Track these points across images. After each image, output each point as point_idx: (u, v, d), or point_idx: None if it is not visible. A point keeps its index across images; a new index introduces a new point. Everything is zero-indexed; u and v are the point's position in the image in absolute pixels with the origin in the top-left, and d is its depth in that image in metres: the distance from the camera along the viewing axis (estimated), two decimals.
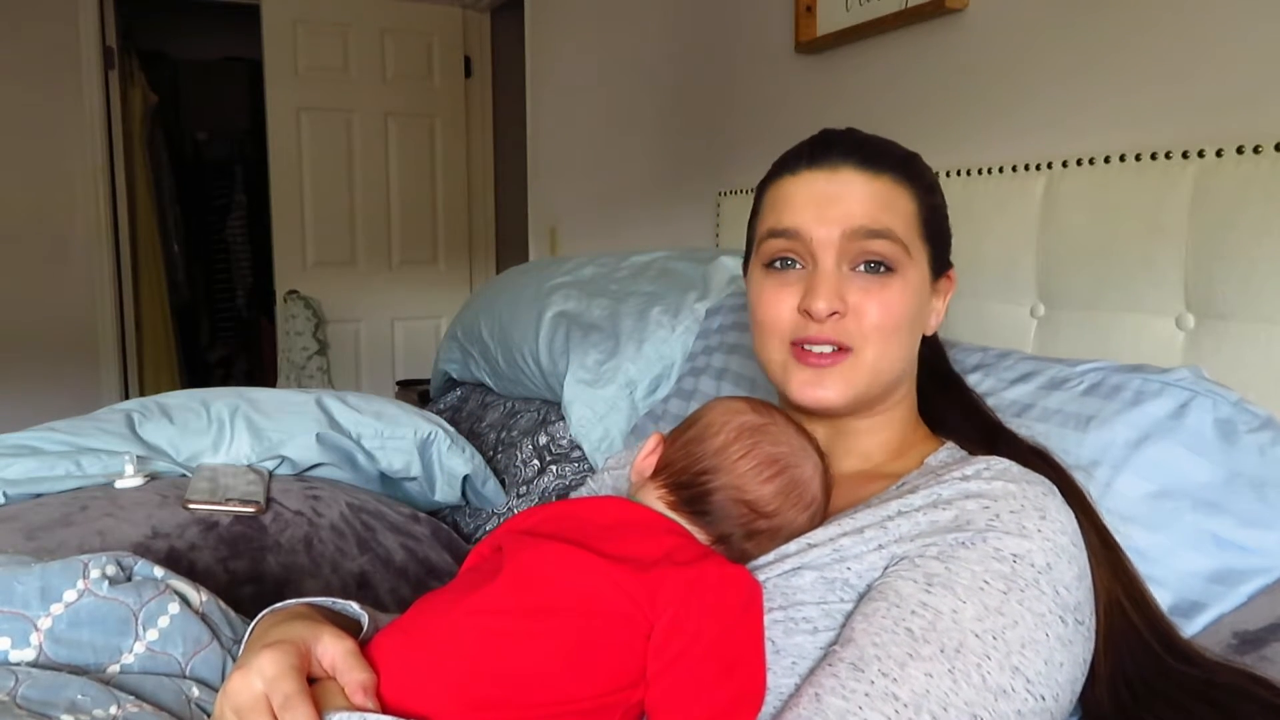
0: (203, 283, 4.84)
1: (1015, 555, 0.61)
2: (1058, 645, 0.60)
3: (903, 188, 0.76)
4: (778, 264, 0.78)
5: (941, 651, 0.57)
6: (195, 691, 0.65)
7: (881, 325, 0.74)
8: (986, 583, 0.60)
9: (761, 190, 0.83)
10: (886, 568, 0.64)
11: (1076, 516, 0.68)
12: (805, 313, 0.74)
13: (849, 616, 0.63)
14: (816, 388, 0.75)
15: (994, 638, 0.58)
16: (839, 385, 0.75)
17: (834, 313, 0.73)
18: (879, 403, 0.79)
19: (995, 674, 0.57)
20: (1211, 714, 0.62)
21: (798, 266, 0.77)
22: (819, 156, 0.77)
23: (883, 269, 0.74)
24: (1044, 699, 0.58)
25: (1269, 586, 0.77)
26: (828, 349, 0.75)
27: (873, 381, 0.76)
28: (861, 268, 0.75)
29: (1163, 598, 0.74)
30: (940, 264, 0.80)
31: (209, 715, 0.64)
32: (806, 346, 0.75)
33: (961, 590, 0.60)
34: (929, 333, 0.82)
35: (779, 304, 0.77)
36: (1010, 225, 1.22)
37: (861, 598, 0.64)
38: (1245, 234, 0.96)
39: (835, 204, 0.74)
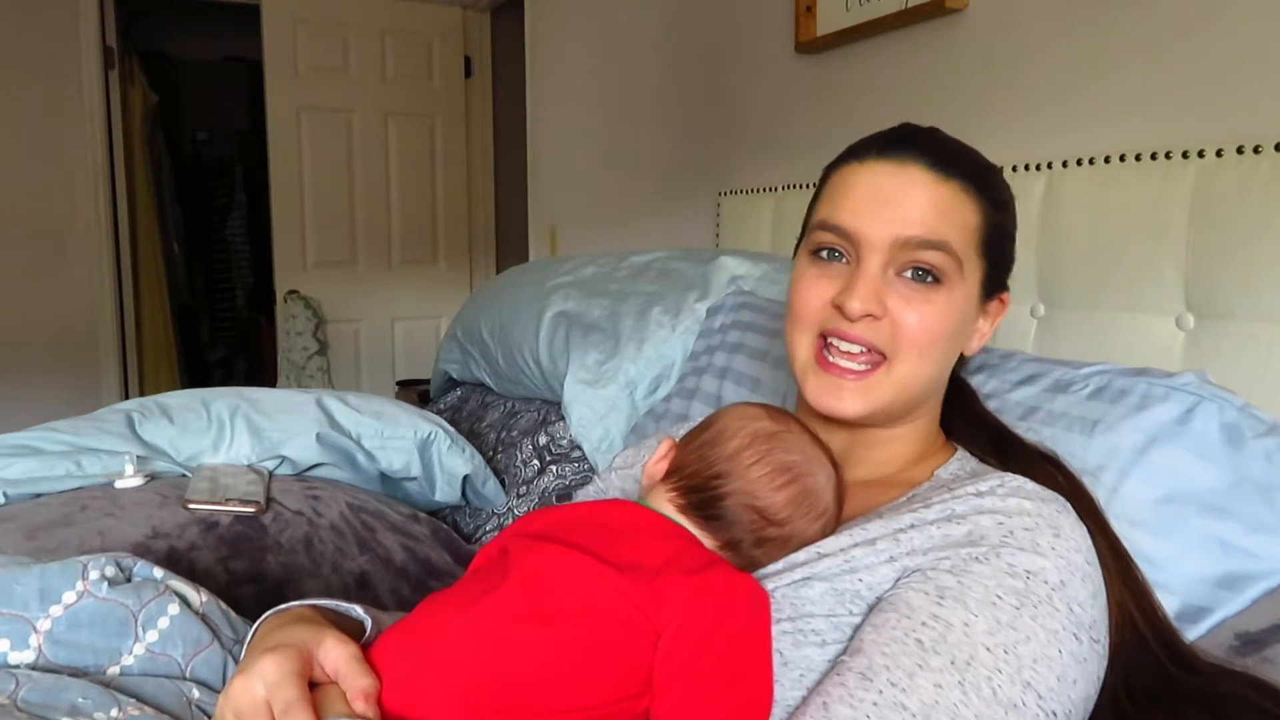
0: (203, 283, 4.84)
1: (1029, 572, 0.60)
2: (1071, 662, 0.59)
3: (970, 197, 0.72)
4: (824, 254, 0.75)
5: (952, 663, 0.56)
6: (196, 693, 0.65)
7: (918, 338, 0.71)
8: (999, 597, 0.59)
9: (827, 174, 0.79)
10: (898, 579, 0.63)
11: (1089, 527, 0.67)
12: (839, 308, 0.71)
13: (858, 629, 0.62)
14: (833, 398, 0.73)
15: (1005, 652, 0.57)
16: (857, 400, 0.72)
17: (868, 314, 0.70)
18: (903, 417, 0.77)
19: (1006, 688, 0.56)
20: None
21: (843, 260, 0.74)
22: (890, 148, 0.73)
23: (930, 279, 0.71)
24: (1055, 715, 0.57)
25: (1272, 589, 0.77)
26: (857, 350, 0.72)
27: (896, 397, 0.73)
28: (908, 274, 0.71)
29: (1169, 603, 0.74)
30: (994, 285, 0.76)
31: (209, 717, 0.64)
32: (834, 341, 0.72)
33: (973, 604, 0.59)
34: (969, 353, 0.79)
35: (814, 292, 0.74)
36: None
37: (871, 609, 0.63)
38: (1245, 234, 0.96)
39: (893, 205, 0.71)
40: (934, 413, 0.81)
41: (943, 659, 0.56)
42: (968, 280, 0.73)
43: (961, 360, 0.84)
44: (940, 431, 0.82)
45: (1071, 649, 0.59)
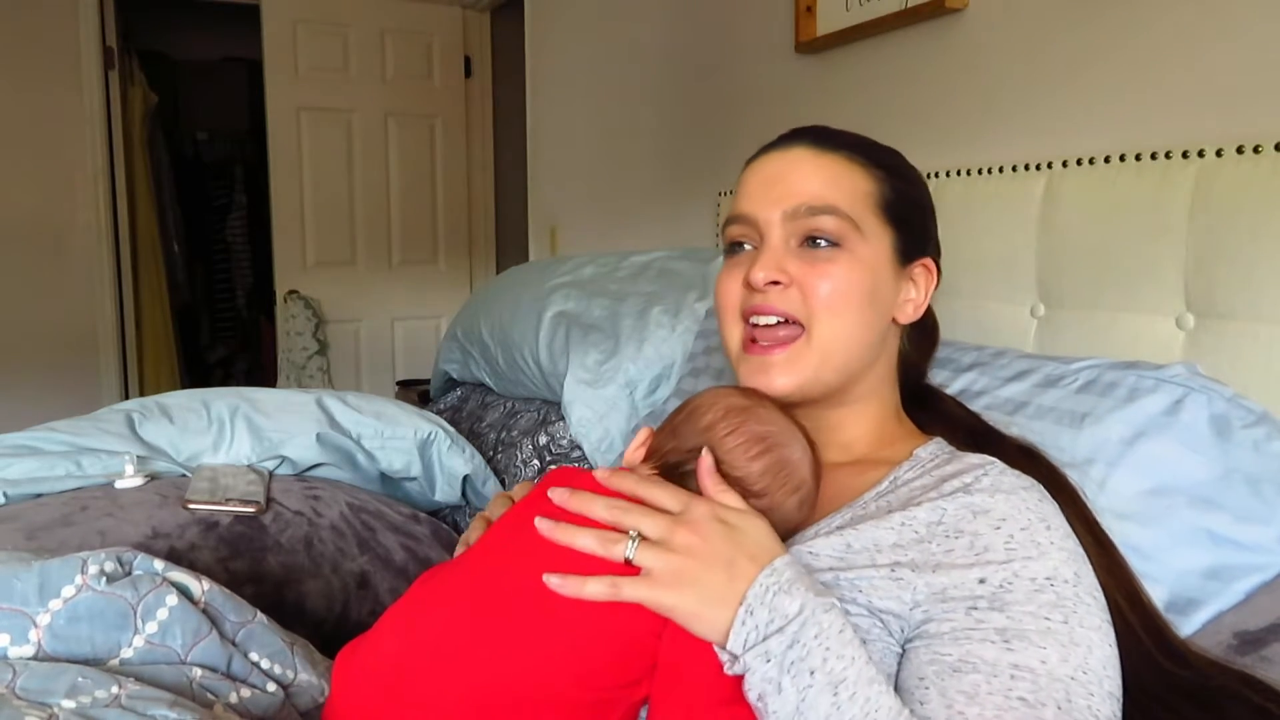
0: (203, 283, 4.84)
1: (1049, 578, 0.61)
2: (1114, 645, 0.61)
3: (857, 165, 0.77)
4: (735, 248, 0.80)
5: (1060, 709, 0.56)
6: (197, 673, 0.65)
7: (829, 300, 0.73)
8: (1048, 618, 0.59)
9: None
10: (914, 603, 0.63)
11: (1069, 514, 0.68)
12: (748, 285, 0.75)
13: (900, 657, 0.63)
14: (762, 376, 0.75)
15: (1085, 673, 0.58)
16: (785, 373, 0.74)
17: (774, 282, 0.74)
18: (845, 392, 0.78)
19: (1101, 707, 0.57)
20: (1202, 717, 0.62)
21: (749, 248, 0.78)
22: (779, 142, 0.80)
23: (826, 244, 0.74)
24: (1121, 703, 0.60)
25: (1268, 585, 0.77)
26: (774, 320, 0.74)
27: (823, 364, 0.74)
28: (807, 243, 0.75)
29: (1158, 595, 0.75)
30: (911, 250, 0.79)
31: (211, 694, 0.65)
32: (754, 320, 0.76)
33: (1035, 636, 0.59)
34: (904, 320, 0.81)
35: (729, 281, 0.79)
36: (1010, 225, 1.22)
37: (872, 613, 0.63)
38: (1245, 234, 0.96)
39: (779, 183, 0.76)
40: (886, 393, 0.82)
41: (1049, 709, 0.56)
42: (872, 243, 0.75)
43: (912, 366, 0.86)
44: (904, 418, 0.83)
45: (1111, 637, 0.61)
